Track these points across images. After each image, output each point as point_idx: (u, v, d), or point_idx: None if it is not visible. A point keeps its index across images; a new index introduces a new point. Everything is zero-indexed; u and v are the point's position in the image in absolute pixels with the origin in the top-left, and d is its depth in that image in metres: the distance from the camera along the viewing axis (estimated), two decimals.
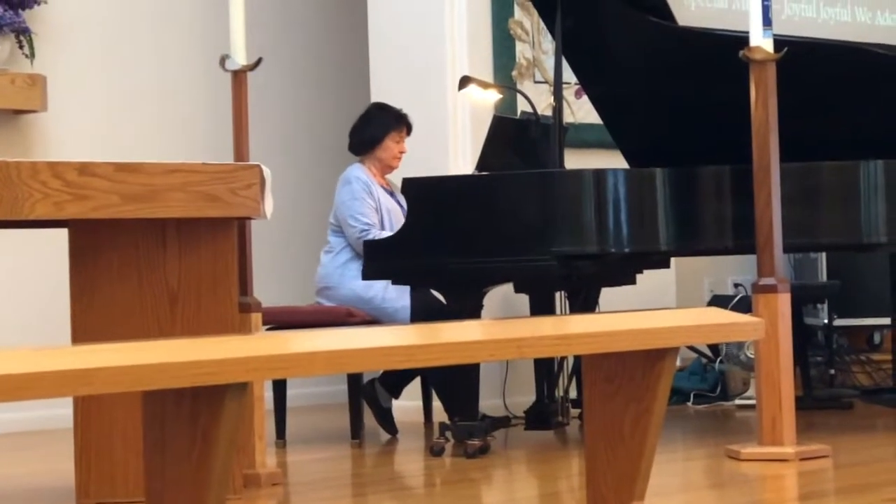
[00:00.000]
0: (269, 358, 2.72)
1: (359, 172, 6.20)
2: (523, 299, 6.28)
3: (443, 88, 6.73)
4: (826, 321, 7.48)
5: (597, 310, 6.26)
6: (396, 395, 6.31)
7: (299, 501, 4.71)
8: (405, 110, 6.29)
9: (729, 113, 5.41)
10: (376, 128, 6.25)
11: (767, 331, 4.85)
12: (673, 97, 5.96)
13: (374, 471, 5.50)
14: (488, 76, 6.77)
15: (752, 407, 6.14)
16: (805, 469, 4.83)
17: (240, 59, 4.89)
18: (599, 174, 5.38)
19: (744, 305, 6.31)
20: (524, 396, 6.25)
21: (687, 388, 7.09)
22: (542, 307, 6.12)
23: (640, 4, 5.81)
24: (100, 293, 4.32)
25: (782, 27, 6.34)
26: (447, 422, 5.54)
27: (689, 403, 7.02)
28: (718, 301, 7.07)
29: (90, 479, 4.32)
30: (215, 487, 2.78)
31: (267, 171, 4.44)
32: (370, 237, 5.91)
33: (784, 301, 5.02)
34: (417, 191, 5.55)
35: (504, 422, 5.91)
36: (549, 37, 6.47)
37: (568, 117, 6.71)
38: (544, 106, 6.57)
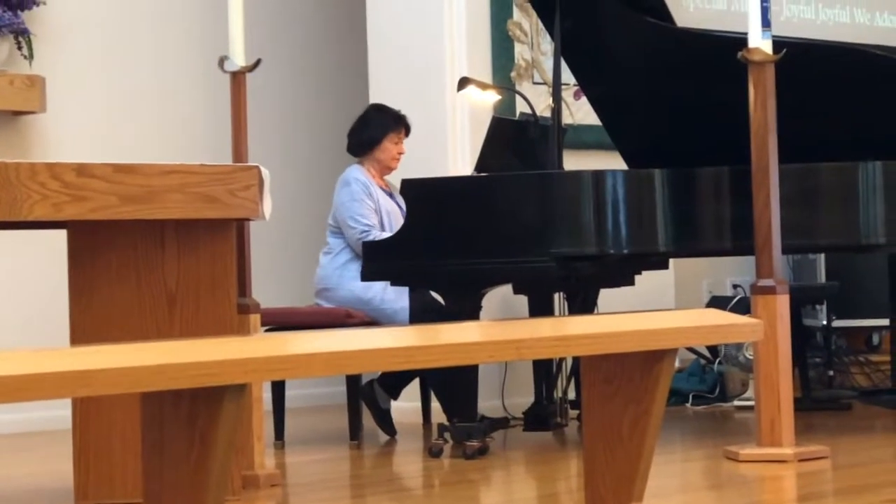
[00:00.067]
0: (268, 359, 2.72)
1: (358, 174, 6.20)
2: (522, 300, 6.28)
3: (441, 89, 6.73)
4: (825, 322, 7.48)
5: (595, 311, 6.26)
6: (395, 396, 6.31)
7: (298, 503, 4.71)
8: (404, 111, 6.30)
9: (727, 114, 5.41)
10: (375, 129, 6.25)
11: (766, 332, 4.85)
12: (672, 98, 5.96)
13: (372, 472, 5.50)
14: (487, 77, 6.77)
15: (750, 408, 6.14)
16: (803, 470, 4.83)
17: (238, 60, 4.89)
18: (598, 175, 5.38)
19: (742, 307, 6.31)
20: (523, 397, 6.25)
21: (686, 389, 7.09)
22: (540, 308, 6.12)
23: (638, 6, 5.81)
24: (98, 294, 4.32)
25: (781, 28, 6.35)
26: (446, 423, 5.54)
27: (688, 404, 7.02)
28: (717, 302, 7.07)
29: (89, 480, 4.32)
30: (214, 489, 2.78)
31: (265, 173, 4.44)
32: (370, 238, 5.91)
33: (783, 302, 5.02)
34: (416, 192, 5.55)
35: (503, 423, 5.91)
36: (548, 38, 6.47)
37: (567, 118, 6.71)
38: (543, 107, 6.57)
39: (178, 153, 6.78)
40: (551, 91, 5.99)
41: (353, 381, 5.99)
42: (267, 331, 5.78)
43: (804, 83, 5.51)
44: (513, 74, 6.98)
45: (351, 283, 6.08)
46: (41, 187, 3.99)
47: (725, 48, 5.23)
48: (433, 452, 5.44)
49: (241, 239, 4.77)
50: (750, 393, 6.72)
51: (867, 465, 5.04)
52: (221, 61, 4.93)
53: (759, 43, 5.02)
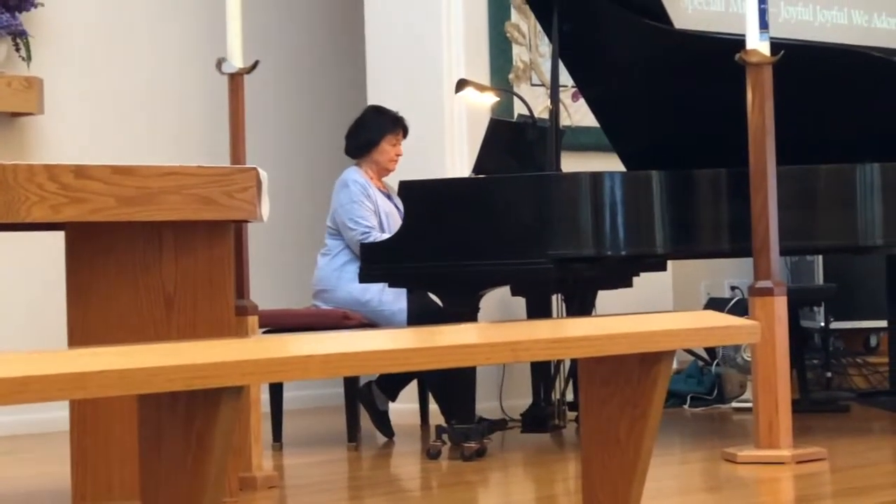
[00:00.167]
0: (265, 361, 2.72)
1: (356, 175, 6.20)
2: (520, 302, 6.28)
3: (439, 91, 6.73)
4: (823, 324, 7.48)
5: (593, 313, 6.26)
6: (393, 397, 6.30)
7: None
8: (402, 113, 6.30)
9: (725, 116, 5.41)
10: (373, 131, 6.25)
11: (764, 334, 4.85)
12: (670, 100, 5.96)
13: (370, 474, 5.50)
14: (485, 79, 6.77)
15: (748, 410, 6.14)
16: (801, 472, 4.83)
17: (236, 62, 4.89)
18: (596, 177, 5.38)
19: (740, 308, 6.32)
20: (521, 399, 6.25)
21: (683, 391, 7.09)
22: (538, 310, 6.12)
23: (636, 7, 5.82)
24: (96, 296, 4.32)
25: (779, 30, 6.35)
26: (444, 424, 5.54)
27: (686, 406, 7.02)
28: (715, 304, 7.07)
29: (86, 482, 4.32)
30: (211, 491, 2.78)
31: (263, 174, 4.44)
32: (371, 240, 5.90)
33: (780, 304, 5.02)
34: (414, 193, 5.55)
35: (500, 424, 5.91)
36: (546, 40, 6.47)
37: (565, 120, 6.71)
38: (541, 109, 6.57)
39: (176, 155, 6.78)
40: (549, 93, 5.99)
41: (350, 383, 5.99)
42: (264, 332, 5.78)
43: (802, 85, 5.51)
44: (511, 76, 6.98)
45: (349, 285, 6.08)
46: (39, 189, 3.99)
47: (723, 50, 5.23)
48: (431, 454, 5.44)
49: (239, 241, 4.77)
50: (748, 395, 6.72)
51: (865, 466, 5.04)
52: (219, 63, 4.93)
53: (757, 45, 5.02)
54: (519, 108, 6.45)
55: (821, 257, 7.52)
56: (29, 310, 6.78)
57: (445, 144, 6.73)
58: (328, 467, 5.50)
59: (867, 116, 5.74)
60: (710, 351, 7.13)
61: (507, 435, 5.98)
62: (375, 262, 5.59)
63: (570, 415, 6.05)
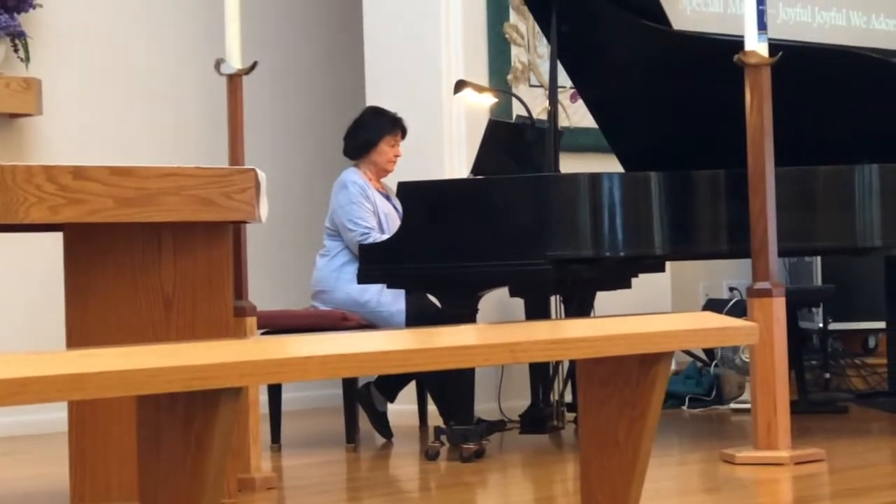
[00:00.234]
0: (264, 363, 2.72)
1: (355, 177, 6.20)
2: (518, 303, 6.28)
3: (438, 92, 6.73)
4: (821, 325, 7.48)
5: (592, 314, 6.26)
6: (392, 399, 6.30)
7: None
8: (400, 114, 6.30)
9: (724, 117, 5.41)
10: (371, 131, 6.25)
11: (762, 335, 4.85)
12: (668, 101, 5.97)
13: (369, 475, 5.50)
14: (483, 80, 6.77)
15: (747, 411, 6.13)
16: (800, 473, 4.83)
17: (235, 63, 4.89)
18: (595, 178, 5.38)
19: (739, 309, 6.32)
20: (520, 400, 6.25)
21: (682, 392, 7.09)
22: (537, 311, 6.12)
23: (635, 8, 5.82)
24: (95, 297, 4.32)
25: (777, 31, 6.35)
26: (442, 426, 5.54)
27: (684, 407, 7.02)
28: (713, 305, 7.07)
29: (85, 483, 4.32)
30: (209, 492, 2.78)
31: (262, 175, 4.44)
32: (370, 241, 5.90)
33: (779, 305, 5.02)
34: (413, 194, 5.55)
35: (499, 425, 5.91)
36: (545, 41, 6.47)
37: (563, 121, 6.70)
38: (539, 110, 6.57)
39: (174, 156, 6.78)
40: (548, 94, 5.99)
41: (349, 384, 5.99)
42: (263, 334, 5.78)
43: (800, 86, 5.51)
44: (509, 77, 6.98)
45: (347, 286, 6.08)
46: (37, 190, 3.99)
47: (722, 51, 5.23)
48: (429, 455, 5.44)
49: (238, 242, 4.77)
50: (746, 396, 6.72)
51: (863, 468, 5.04)
52: (218, 64, 4.93)
53: (756, 46, 5.02)
54: (517, 109, 6.45)
55: (819, 258, 7.53)
56: (27, 311, 6.78)
57: (444, 145, 6.74)
58: (327, 468, 5.50)
59: (865, 118, 5.74)
60: (709, 352, 7.13)
61: (505, 436, 5.98)
62: (374, 262, 5.59)
63: (569, 416, 6.05)
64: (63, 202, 4.02)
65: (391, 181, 6.13)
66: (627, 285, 6.30)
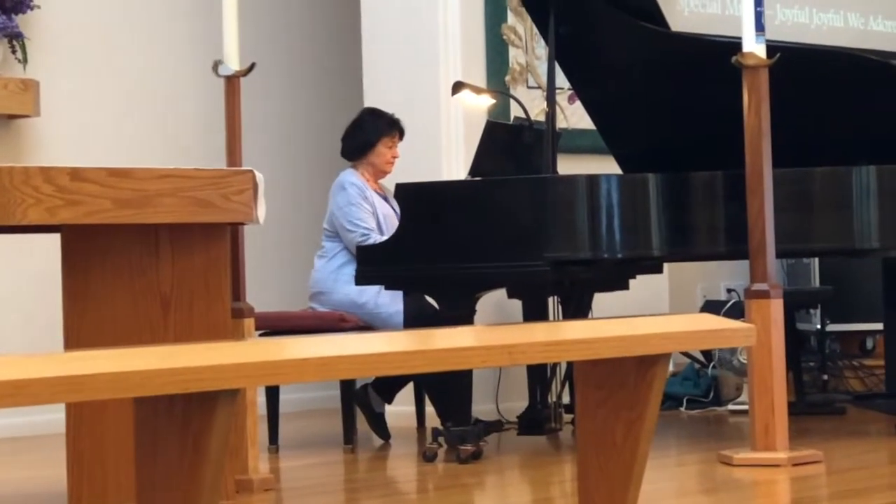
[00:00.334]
0: (261, 364, 2.72)
1: (353, 178, 6.20)
2: (516, 305, 6.28)
3: (436, 93, 6.73)
4: (819, 326, 7.48)
5: (589, 315, 6.26)
6: (389, 400, 6.30)
7: None
8: (398, 115, 6.30)
9: (722, 118, 5.41)
10: (369, 133, 6.25)
11: (760, 336, 4.85)
12: (666, 103, 5.97)
13: (366, 476, 5.50)
14: (481, 81, 6.77)
15: (744, 412, 6.14)
16: (797, 474, 4.83)
17: (233, 64, 4.89)
18: (592, 180, 5.38)
19: (737, 311, 6.32)
20: (517, 401, 6.25)
21: (680, 394, 7.09)
22: (534, 313, 6.12)
23: (633, 10, 5.82)
24: (92, 298, 4.32)
25: (775, 33, 6.35)
26: (440, 427, 5.54)
27: (682, 409, 7.02)
28: (711, 306, 7.08)
29: (82, 485, 4.31)
30: (207, 493, 2.78)
31: (259, 177, 4.44)
32: (370, 242, 5.90)
33: (777, 306, 5.02)
34: (411, 196, 5.55)
35: (496, 426, 5.91)
36: (543, 42, 6.47)
37: (561, 123, 6.71)
38: (537, 111, 6.57)
39: (172, 157, 6.78)
40: (546, 95, 5.99)
41: (347, 386, 5.99)
42: (261, 335, 5.77)
43: (798, 88, 5.51)
44: (507, 78, 6.98)
45: (345, 287, 6.08)
46: (35, 191, 3.99)
47: (719, 52, 5.23)
48: (427, 457, 5.43)
49: (235, 243, 4.77)
50: (744, 397, 6.72)
51: (861, 469, 5.04)
52: (216, 65, 4.93)
53: (753, 47, 5.03)
54: (515, 111, 6.45)
55: (817, 260, 7.52)
56: (25, 312, 6.77)
57: (442, 147, 6.73)
58: (324, 470, 5.50)
59: (863, 119, 5.74)
60: (707, 353, 7.12)
61: (503, 437, 5.98)
62: (372, 264, 5.59)
63: (567, 417, 6.05)
64: (60, 203, 4.02)
65: (389, 182, 6.13)
66: (625, 287, 6.30)
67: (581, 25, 5.90)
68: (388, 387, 6.24)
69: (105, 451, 4.30)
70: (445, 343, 3.15)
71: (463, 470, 5.21)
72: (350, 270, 5.96)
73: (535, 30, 6.60)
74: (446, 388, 5.59)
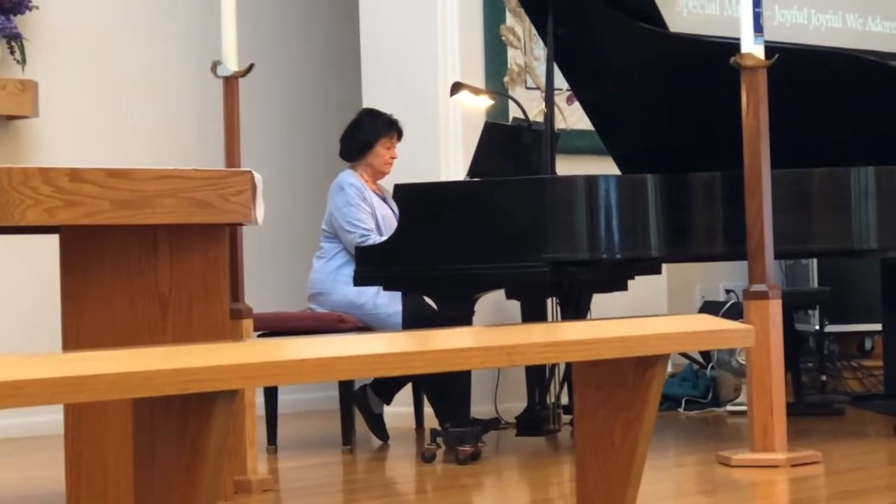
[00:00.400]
0: (260, 365, 2.72)
1: (351, 179, 6.20)
2: (515, 306, 6.28)
3: (434, 94, 6.73)
4: (817, 327, 7.48)
5: (588, 316, 6.26)
6: (388, 401, 6.30)
7: None
8: (397, 116, 6.30)
9: (720, 119, 5.42)
10: (367, 133, 6.25)
11: (759, 337, 4.85)
12: (665, 103, 5.97)
13: (365, 477, 5.50)
14: (480, 82, 6.77)
15: (743, 413, 6.15)
16: (796, 475, 4.83)
17: (231, 65, 4.89)
18: (591, 180, 5.38)
19: (735, 312, 6.32)
20: (516, 402, 6.25)
21: (678, 395, 7.09)
22: (533, 313, 6.12)
23: (631, 11, 5.82)
24: (91, 299, 4.31)
25: (773, 34, 6.35)
26: (438, 428, 5.54)
27: (681, 409, 7.02)
28: (710, 307, 7.08)
29: (81, 485, 4.31)
30: (205, 494, 2.78)
31: (258, 177, 4.44)
32: (370, 242, 5.89)
33: (775, 307, 5.02)
34: (409, 197, 5.56)
35: (493, 424, 5.92)
36: (541, 43, 6.47)
37: (559, 124, 6.71)
38: (536, 112, 6.57)
39: (170, 158, 6.78)
40: (544, 96, 5.99)
41: (345, 387, 5.99)
42: (259, 336, 5.77)
43: (796, 88, 5.51)
44: (506, 79, 6.98)
45: (344, 288, 6.08)
46: (33, 192, 3.99)
47: (718, 53, 5.24)
48: (426, 457, 5.44)
49: (234, 244, 4.77)
50: (742, 398, 6.72)
51: (859, 470, 5.04)
52: (214, 66, 4.93)
53: (752, 48, 5.03)
54: (514, 112, 6.45)
55: (815, 261, 7.53)
56: (23, 313, 6.77)
57: (440, 147, 6.73)
58: (323, 470, 5.50)
59: (861, 120, 5.74)
60: (705, 354, 7.13)
61: (501, 438, 5.98)
62: (370, 265, 5.59)
63: (565, 418, 6.05)
64: (59, 204, 4.02)
65: (388, 183, 6.13)
66: (624, 287, 6.30)
67: (579, 26, 5.91)
68: (386, 388, 6.24)
69: (104, 452, 4.30)
70: (444, 344, 3.15)
71: (461, 471, 5.21)
72: (349, 271, 5.96)
73: (534, 31, 6.60)
74: (445, 389, 5.59)
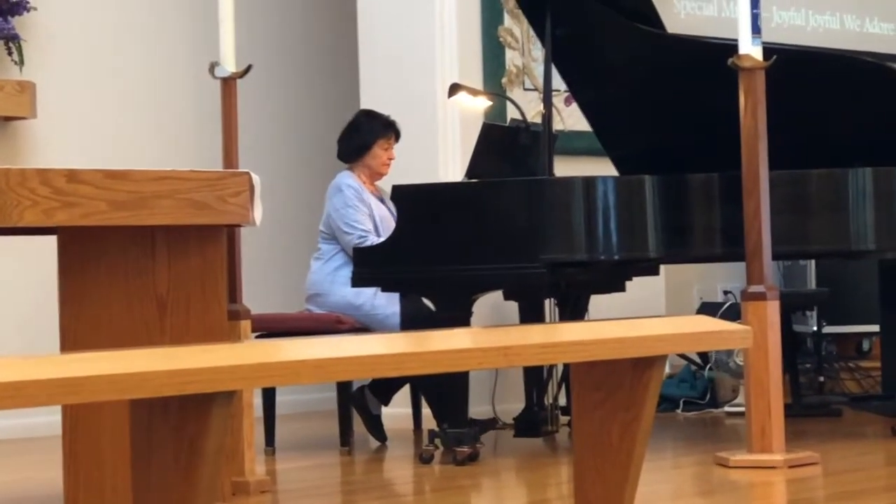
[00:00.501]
0: (257, 366, 2.72)
1: (349, 180, 6.20)
2: (513, 307, 6.28)
3: (432, 95, 6.73)
4: (815, 328, 7.48)
5: (586, 317, 6.26)
6: (386, 402, 6.30)
7: None
8: (394, 117, 6.30)
9: (718, 120, 5.42)
10: (365, 135, 6.25)
11: (756, 338, 4.85)
12: (662, 104, 5.97)
13: (363, 478, 5.50)
14: (478, 83, 6.77)
15: (741, 414, 6.14)
16: (794, 476, 4.83)
17: (229, 66, 4.89)
18: (589, 181, 5.39)
19: (733, 313, 6.32)
20: (514, 403, 6.24)
21: (676, 396, 7.10)
22: (531, 314, 6.13)
23: (629, 12, 5.82)
24: (88, 300, 4.31)
25: (771, 35, 6.36)
26: (436, 429, 5.54)
27: (679, 410, 7.03)
28: (708, 308, 7.07)
29: (78, 487, 4.31)
30: (203, 495, 2.78)
31: (256, 179, 4.44)
32: (368, 243, 5.89)
33: (773, 308, 5.02)
34: (407, 198, 5.56)
35: (491, 424, 5.92)
36: (539, 44, 6.48)
37: (557, 125, 6.71)
38: (534, 113, 6.57)
39: (168, 159, 6.77)
40: (542, 97, 5.99)
41: (343, 388, 5.99)
42: (257, 337, 5.77)
43: (794, 90, 5.51)
44: (504, 80, 6.98)
45: (342, 289, 6.08)
46: (31, 193, 3.98)
47: (716, 54, 5.24)
48: (424, 458, 5.44)
49: (232, 245, 4.77)
50: (740, 399, 6.72)
51: (857, 471, 5.04)
52: (212, 67, 4.93)
53: (750, 49, 5.03)
54: (512, 113, 6.45)
55: (813, 262, 7.53)
56: (21, 314, 6.77)
57: (438, 148, 6.74)
58: (321, 472, 5.50)
59: (859, 121, 5.75)
60: (703, 355, 7.13)
61: (499, 439, 5.98)
62: (368, 266, 5.59)
63: (563, 419, 6.04)
64: (57, 205, 4.01)
65: (385, 184, 6.13)
66: (622, 288, 6.30)
67: (578, 27, 5.91)
68: (384, 389, 6.24)
69: (101, 454, 4.30)
70: (442, 345, 3.14)
71: (459, 472, 5.21)
72: (347, 272, 5.96)
73: (532, 32, 6.60)
74: (443, 390, 5.59)
